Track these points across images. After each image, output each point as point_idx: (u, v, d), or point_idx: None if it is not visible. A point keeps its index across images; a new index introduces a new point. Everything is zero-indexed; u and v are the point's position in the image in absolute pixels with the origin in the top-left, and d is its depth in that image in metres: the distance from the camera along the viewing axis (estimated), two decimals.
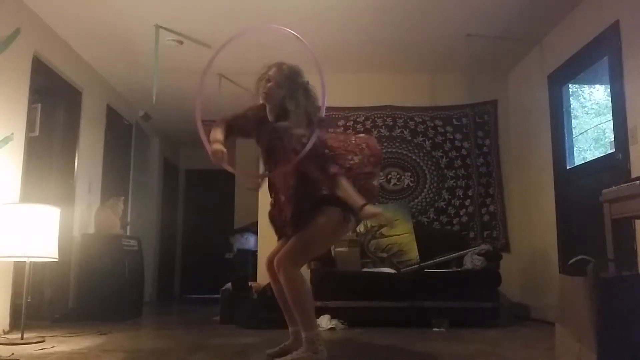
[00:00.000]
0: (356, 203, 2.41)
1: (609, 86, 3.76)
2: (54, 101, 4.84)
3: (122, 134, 6.30)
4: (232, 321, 4.28)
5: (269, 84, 2.60)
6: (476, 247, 4.51)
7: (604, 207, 2.80)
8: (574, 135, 4.42)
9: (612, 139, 3.69)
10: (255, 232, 5.46)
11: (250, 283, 4.60)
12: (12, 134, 3.52)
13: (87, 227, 5.09)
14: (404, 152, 5.36)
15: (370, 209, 2.40)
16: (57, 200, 4.28)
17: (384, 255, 4.66)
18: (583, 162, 4.26)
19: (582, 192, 4.00)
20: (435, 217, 5.23)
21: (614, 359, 2.02)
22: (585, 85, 4.64)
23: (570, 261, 2.31)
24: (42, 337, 3.30)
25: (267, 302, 4.15)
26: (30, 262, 3.32)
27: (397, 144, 5.38)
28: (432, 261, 4.51)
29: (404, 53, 5.01)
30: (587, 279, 2.10)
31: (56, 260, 3.50)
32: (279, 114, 2.62)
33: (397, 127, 5.40)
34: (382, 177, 5.32)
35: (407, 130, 5.40)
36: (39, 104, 4.51)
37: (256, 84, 2.70)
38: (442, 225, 5.20)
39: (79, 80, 4.98)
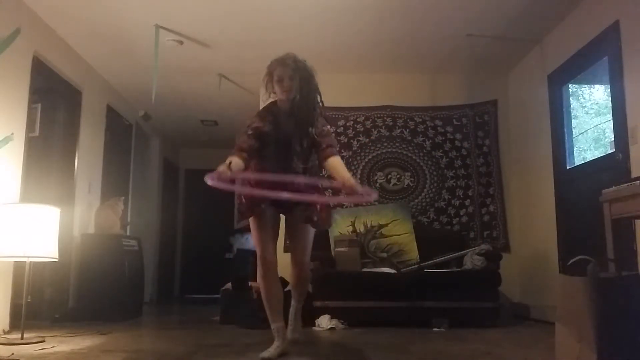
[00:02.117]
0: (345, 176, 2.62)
1: (609, 86, 3.76)
2: (54, 101, 4.84)
3: (122, 134, 6.30)
4: (232, 321, 4.28)
5: (289, 91, 2.74)
6: (476, 247, 4.51)
7: (604, 207, 2.80)
8: (574, 135, 4.42)
9: (612, 139, 3.69)
10: None
11: (250, 283, 4.59)
12: (12, 134, 3.51)
13: (87, 227, 5.09)
14: (404, 152, 5.36)
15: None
16: (57, 200, 4.28)
17: (384, 255, 4.66)
18: (583, 162, 4.26)
19: (582, 192, 4.00)
20: (435, 217, 5.23)
21: (614, 359, 2.02)
22: (585, 85, 4.64)
23: (570, 261, 2.31)
24: (42, 337, 3.30)
25: None
26: (30, 262, 3.32)
27: (397, 144, 5.38)
28: (432, 261, 4.51)
29: (404, 53, 5.01)
30: (587, 279, 2.10)
31: (56, 260, 3.50)
32: (293, 107, 2.77)
33: (397, 127, 5.40)
34: (382, 177, 5.32)
35: (407, 130, 5.40)
36: (39, 104, 4.51)
37: (269, 79, 2.80)
38: (442, 225, 5.20)
39: (79, 80, 4.98)
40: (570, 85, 4.47)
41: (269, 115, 2.81)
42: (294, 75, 2.74)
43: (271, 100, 2.88)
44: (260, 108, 2.98)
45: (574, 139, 4.41)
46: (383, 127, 5.40)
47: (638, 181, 2.56)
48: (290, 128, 2.76)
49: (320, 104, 2.83)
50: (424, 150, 5.36)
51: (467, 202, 5.25)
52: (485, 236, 5.16)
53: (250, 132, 2.72)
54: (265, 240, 2.78)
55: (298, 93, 2.73)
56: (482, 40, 4.66)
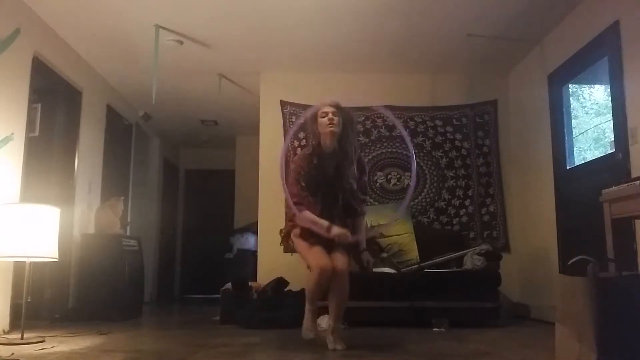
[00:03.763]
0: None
1: (609, 86, 3.76)
2: (54, 101, 4.84)
3: (122, 134, 6.30)
4: (232, 321, 4.28)
5: (334, 125, 3.05)
6: (476, 247, 4.51)
7: (604, 207, 2.80)
8: (574, 135, 4.42)
9: (612, 139, 3.69)
10: (255, 232, 5.46)
11: (250, 283, 4.60)
12: (12, 134, 3.51)
13: (87, 227, 5.09)
14: (404, 152, 5.35)
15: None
16: (57, 200, 4.29)
17: (384, 255, 4.65)
18: (583, 162, 4.26)
19: (582, 192, 3.99)
20: (435, 217, 5.23)
21: (614, 359, 2.02)
22: (585, 85, 4.64)
23: (570, 261, 2.31)
24: (42, 337, 3.30)
25: (267, 302, 4.16)
26: (30, 262, 3.32)
27: (397, 144, 5.37)
28: (432, 261, 4.51)
29: (404, 53, 5.01)
30: (587, 279, 2.10)
31: (56, 260, 3.50)
32: (335, 147, 3.10)
33: (397, 127, 5.39)
34: (382, 177, 5.32)
35: (407, 130, 5.39)
36: (39, 104, 4.50)
37: (312, 121, 3.12)
38: (442, 225, 5.20)
39: (79, 80, 4.98)
40: (570, 85, 4.47)
41: (314, 158, 3.08)
42: (338, 112, 3.07)
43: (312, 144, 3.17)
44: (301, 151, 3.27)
45: (574, 139, 4.41)
46: (383, 127, 5.40)
47: (638, 181, 2.56)
48: (333, 170, 3.06)
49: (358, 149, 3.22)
50: (424, 150, 5.36)
51: (467, 202, 5.25)
52: (485, 236, 5.16)
53: (303, 183, 3.03)
54: (321, 254, 2.97)
55: (341, 128, 3.06)
56: (482, 40, 4.66)
